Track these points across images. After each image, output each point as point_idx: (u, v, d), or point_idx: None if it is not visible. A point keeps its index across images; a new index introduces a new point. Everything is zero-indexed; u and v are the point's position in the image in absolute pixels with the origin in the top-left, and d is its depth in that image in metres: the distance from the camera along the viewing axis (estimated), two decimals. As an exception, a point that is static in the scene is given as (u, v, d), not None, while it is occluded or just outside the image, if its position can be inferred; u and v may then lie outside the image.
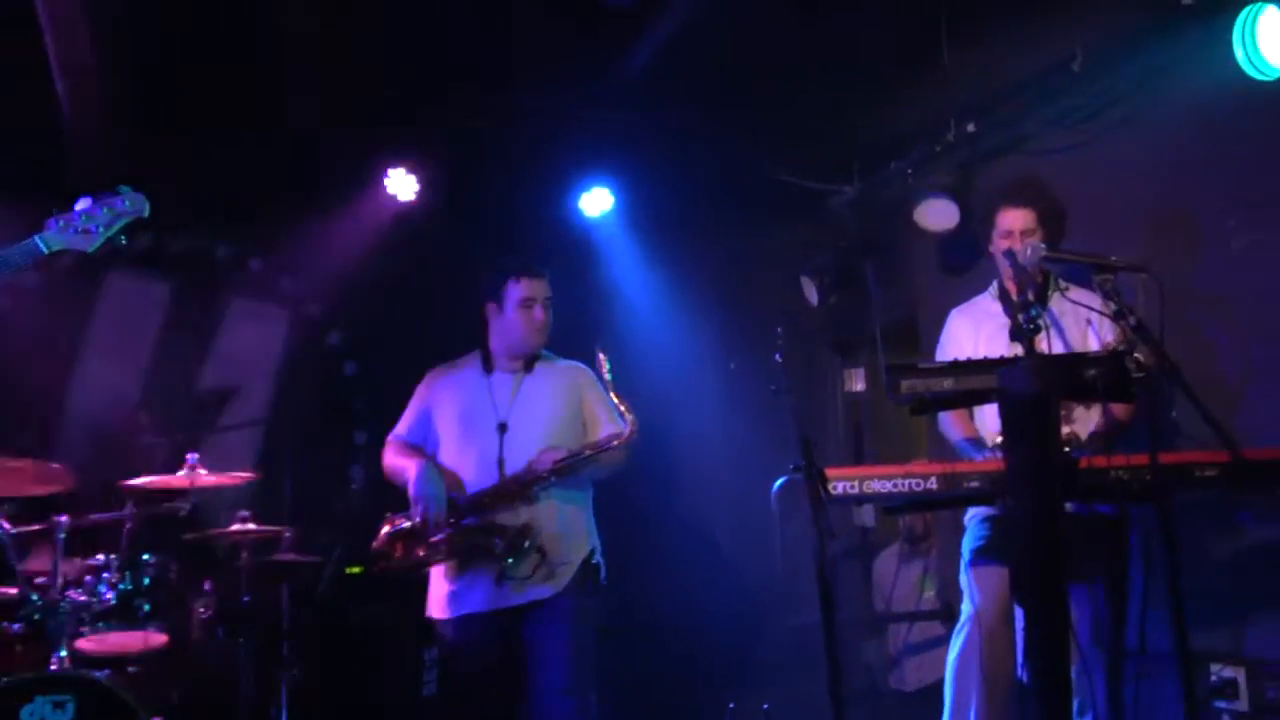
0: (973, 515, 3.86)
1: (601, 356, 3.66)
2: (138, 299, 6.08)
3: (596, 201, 6.18)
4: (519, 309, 3.78)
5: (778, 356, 3.35)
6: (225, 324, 6.25)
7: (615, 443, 3.64)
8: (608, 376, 3.65)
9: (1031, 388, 2.91)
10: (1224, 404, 3.80)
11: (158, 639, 4.52)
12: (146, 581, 4.53)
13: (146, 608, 4.50)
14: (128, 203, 2.91)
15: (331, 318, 6.44)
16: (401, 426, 3.90)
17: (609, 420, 3.81)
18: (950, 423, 3.92)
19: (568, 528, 3.68)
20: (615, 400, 3.66)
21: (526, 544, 3.53)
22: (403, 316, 6.21)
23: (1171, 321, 3.25)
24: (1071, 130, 4.58)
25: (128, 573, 4.45)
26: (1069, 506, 3.40)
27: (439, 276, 5.98)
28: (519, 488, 3.59)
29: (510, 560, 3.51)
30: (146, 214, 2.96)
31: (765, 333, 3.54)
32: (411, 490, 3.60)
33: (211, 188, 5.72)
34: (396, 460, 3.79)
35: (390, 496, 3.79)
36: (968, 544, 3.84)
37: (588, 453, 3.65)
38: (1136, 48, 4.18)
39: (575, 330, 4.07)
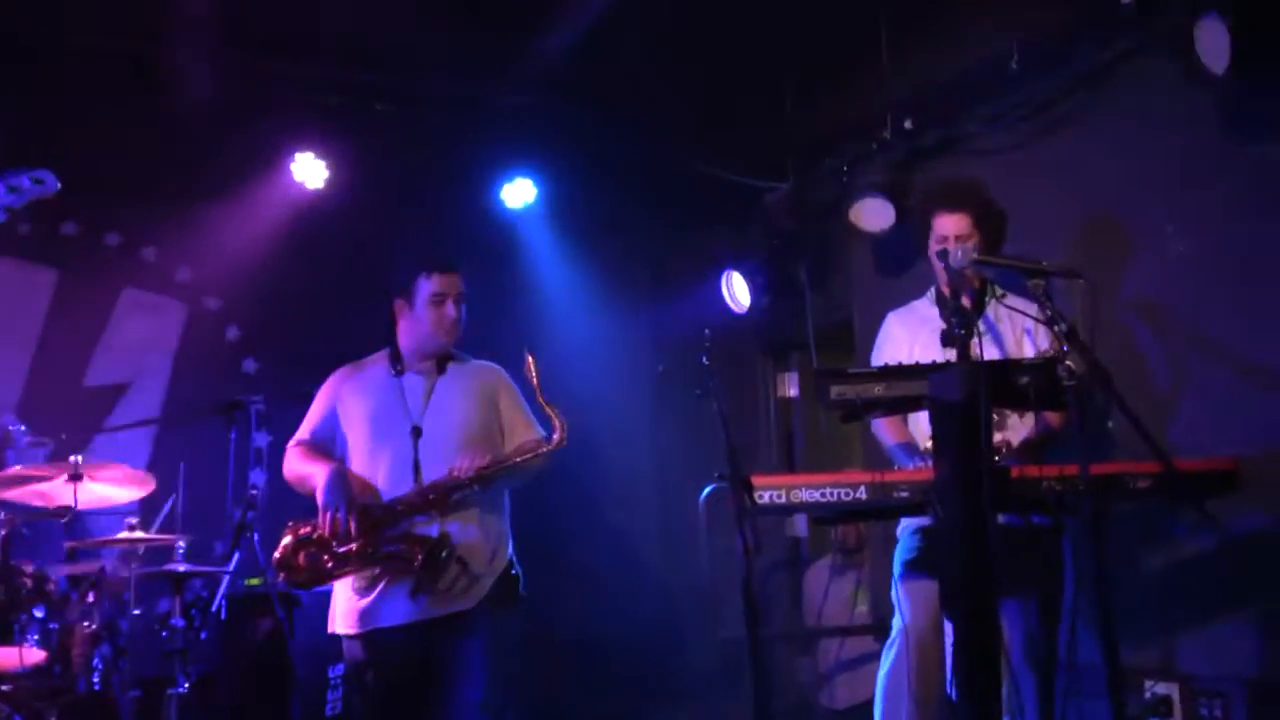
0: (904, 526, 3.92)
1: (530, 359, 3.64)
2: (19, 288, 5.94)
3: (519, 193, 6.18)
4: (429, 305, 3.76)
5: (704, 359, 3.38)
6: (115, 316, 6.14)
7: (544, 449, 3.63)
8: (536, 380, 3.64)
9: (961, 394, 2.97)
10: (1157, 413, 3.93)
11: (35, 656, 4.42)
12: (23, 593, 4.43)
13: (23, 621, 4.40)
14: (32, 180, 2.86)
15: (231, 311, 6.35)
16: (305, 430, 3.84)
17: (526, 424, 3.81)
18: (882, 427, 3.97)
19: (488, 537, 3.66)
20: (544, 405, 3.63)
21: (445, 554, 3.51)
22: (308, 311, 6.15)
23: (1105, 329, 3.35)
24: (1009, 130, 4.70)
25: (1, 584, 4.34)
26: (1001, 518, 3.48)
27: (348, 269, 5.93)
28: (438, 495, 3.57)
29: (428, 571, 3.50)
30: (57, 190, 2.91)
31: (695, 334, 3.58)
32: (320, 496, 3.53)
33: (103, 171, 5.62)
34: (302, 465, 3.72)
35: (294, 504, 3.75)
36: (899, 556, 3.90)
37: (517, 459, 3.62)
38: (1074, 48, 4.30)
39: (495, 329, 4.06)
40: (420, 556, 3.49)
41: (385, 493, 3.63)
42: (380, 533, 3.55)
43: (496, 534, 3.73)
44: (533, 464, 3.65)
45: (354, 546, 3.53)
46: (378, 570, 3.56)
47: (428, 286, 3.77)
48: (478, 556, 3.61)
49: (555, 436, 3.62)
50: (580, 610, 6.05)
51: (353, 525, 3.50)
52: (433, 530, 3.56)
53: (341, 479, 3.57)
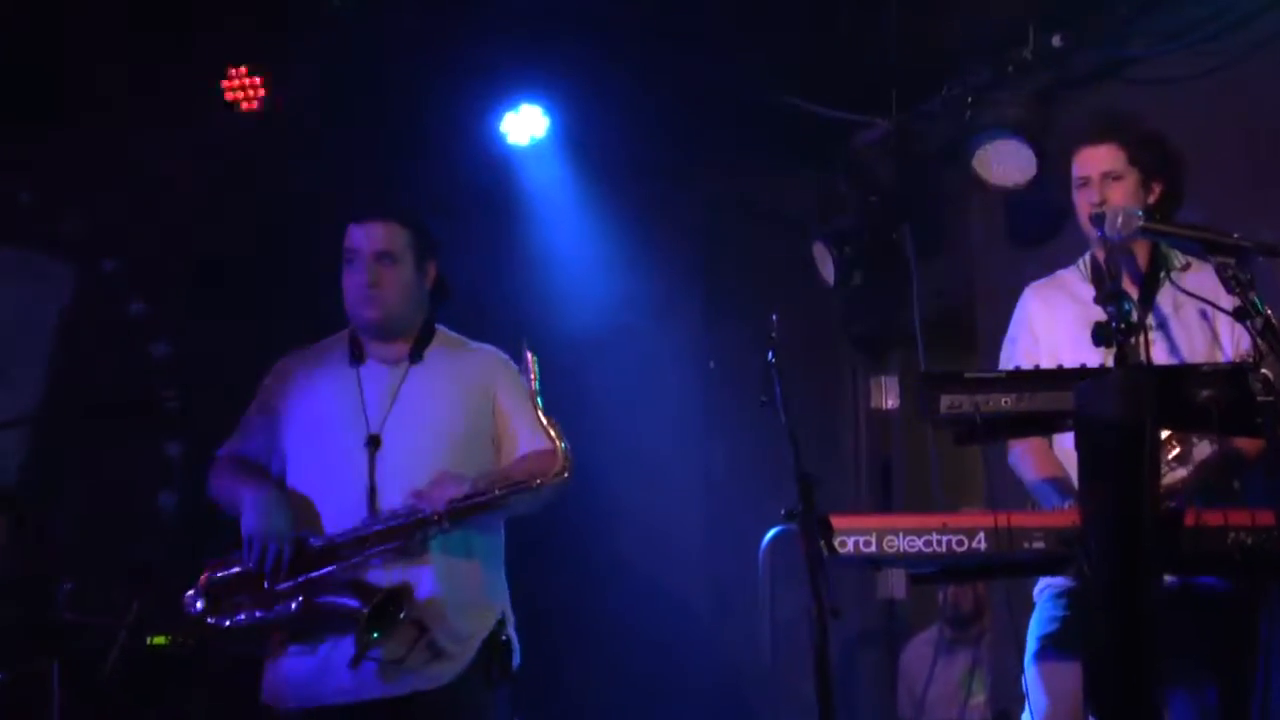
0: (1044, 588, 3.92)
1: (530, 357, 3.67)
2: None
3: (525, 124, 6.21)
4: (344, 268, 3.86)
5: (771, 356, 3.41)
6: (-20, 281, 6.22)
7: (538, 481, 3.66)
8: (534, 386, 3.67)
9: (1118, 410, 2.99)
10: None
11: None
12: None
13: None
14: None
15: (135, 277, 6.41)
16: (237, 438, 3.93)
17: (530, 434, 3.83)
18: (1022, 457, 3.97)
19: (465, 592, 3.72)
20: (541, 420, 3.65)
21: (399, 614, 3.56)
22: (239, 279, 6.19)
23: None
24: (1193, 53, 4.70)
25: None
26: (1170, 579, 3.49)
27: (293, 222, 5.98)
28: (395, 532, 3.63)
29: (375, 635, 3.55)
30: None
31: (758, 320, 3.61)
32: (244, 525, 3.63)
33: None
34: (231, 483, 3.81)
35: (217, 537, 3.82)
36: (1035, 629, 3.90)
37: (499, 491, 3.66)
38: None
39: (490, 305, 4.11)
40: (367, 613, 3.55)
41: (331, 522, 3.71)
42: (321, 576, 3.63)
43: (480, 586, 3.78)
44: (526, 497, 3.70)
45: (286, 589, 3.61)
46: (319, 627, 3.64)
47: (344, 243, 3.86)
48: (447, 617, 3.65)
49: (556, 465, 3.64)
50: (597, 692, 6.09)
51: (285, 557, 3.58)
52: (393, 576, 3.63)
53: (273, 501, 3.66)
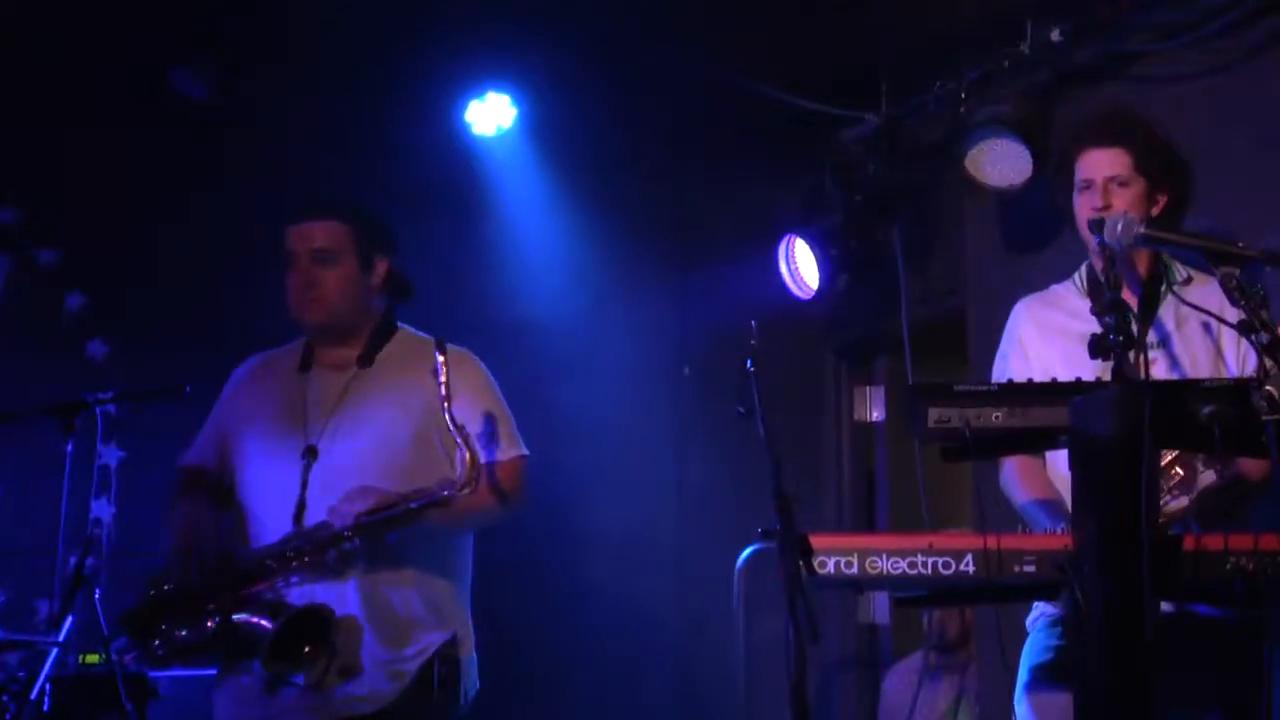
0: (1038, 616, 3.93)
1: (441, 359, 3.64)
2: None
3: (491, 113, 6.21)
4: (286, 270, 3.87)
5: (749, 363, 3.41)
6: (-94, 273, 6.19)
7: (445, 493, 3.64)
8: (445, 391, 3.62)
9: (1114, 428, 2.99)
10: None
11: None
12: None
13: None
14: None
15: (73, 270, 6.40)
16: (194, 450, 3.98)
17: (479, 442, 3.82)
18: (1014, 476, 3.97)
19: (393, 612, 3.72)
20: (455, 430, 3.63)
21: (316, 635, 3.57)
22: (184, 273, 6.18)
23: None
24: (1200, 50, 4.71)
25: None
26: (1168, 606, 3.51)
27: (247, 219, 5.96)
28: (309, 548, 3.64)
29: (286, 661, 3.55)
30: None
31: (735, 326, 3.61)
32: (171, 541, 3.70)
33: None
34: (173, 502, 3.86)
35: (155, 547, 3.82)
36: (1028, 658, 3.90)
37: (413, 504, 3.65)
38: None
39: (451, 302, 4.10)
40: (271, 634, 3.56)
41: (262, 538, 3.75)
42: (246, 592, 3.66)
43: (417, 606, 3.77)
44: (441, 512, 3.67)
45: (204, 606, 3.63)
46: (239, 647, 3.65)
47: (282, 245, 3.86)
48: (371, 639, 3.65)
49: (459, 477, 3.63)
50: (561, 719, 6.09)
51: (207, 571, 3.62)
52: (315, 594, 3.64)
53: (200, 515, 3.73)
